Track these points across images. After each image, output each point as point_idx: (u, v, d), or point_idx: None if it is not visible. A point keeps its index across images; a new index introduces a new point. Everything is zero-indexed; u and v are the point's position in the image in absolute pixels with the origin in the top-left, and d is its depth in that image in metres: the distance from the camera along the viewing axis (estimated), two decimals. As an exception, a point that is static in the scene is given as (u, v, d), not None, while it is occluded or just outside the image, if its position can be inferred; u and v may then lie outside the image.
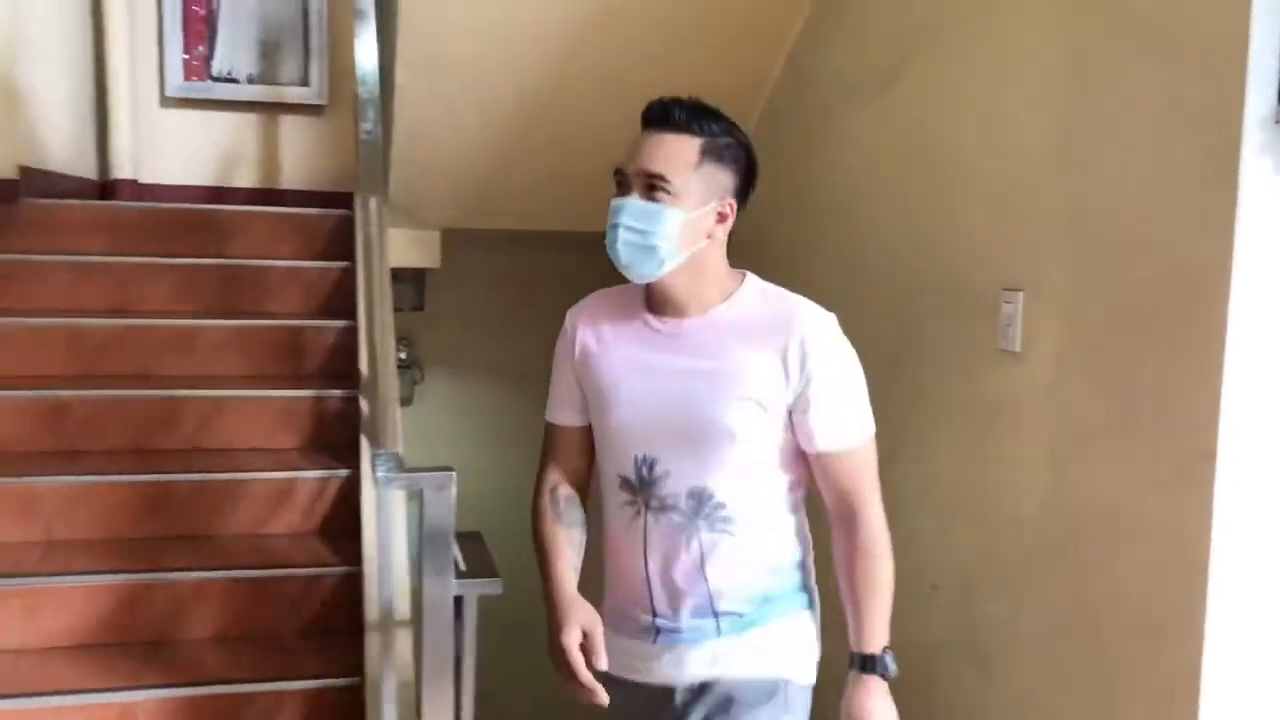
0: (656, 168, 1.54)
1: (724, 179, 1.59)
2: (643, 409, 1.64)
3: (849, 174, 2.98)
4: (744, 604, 1.66)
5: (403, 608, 2.57)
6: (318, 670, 2.62)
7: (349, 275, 3.72)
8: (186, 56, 4.57)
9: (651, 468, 1.63)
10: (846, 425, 1.62)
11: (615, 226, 1.56)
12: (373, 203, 3.22)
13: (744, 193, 1.63)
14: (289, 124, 4.75)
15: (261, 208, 4.21)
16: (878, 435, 1.68)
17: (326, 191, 4.58)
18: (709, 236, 1.59)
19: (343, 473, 3.08)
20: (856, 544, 1.64)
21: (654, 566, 1.67)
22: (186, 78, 4.59)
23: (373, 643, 2.63)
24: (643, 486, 1.65)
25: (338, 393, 3.31)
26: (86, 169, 4.39)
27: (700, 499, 1.62)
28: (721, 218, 1.60)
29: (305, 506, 3.06)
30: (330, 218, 4.00)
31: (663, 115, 1.57)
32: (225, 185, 4.67)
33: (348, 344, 3.50)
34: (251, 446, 3.23)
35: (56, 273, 3.56)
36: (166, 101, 4.60)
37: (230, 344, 3.45)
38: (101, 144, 4.47)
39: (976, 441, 2.37)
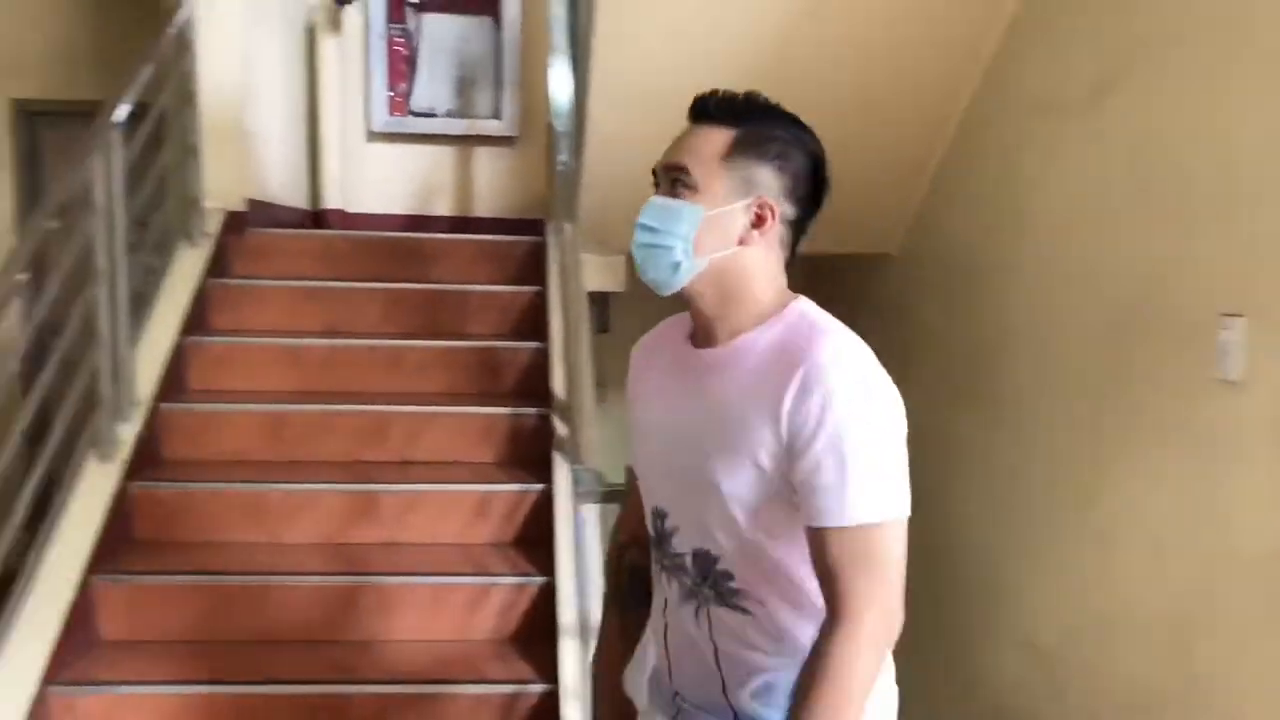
0: (678, 159, 1.32)
1: (763, 175, 1.31)
2: (654, 453, 1.44)
3: (1052, 192, 2.92)
4: (769, 709, 1.35)
5: (597, 616, 2.67)
6: (515, 675, 2.75)
7: (540, 299, 3.89)
8: (390, 94, 4.89)
9: (663, 520, 1.42)
10: (840, 495, 1.22)
11: (636, 227, 1.34)
12: (566, 229, 3.37)
13: (801, 197, 1.34)
14: (482, 155, 5.01)
15: (459, 235, 4.46)
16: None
17: (516, 219, 4.80)
18: (741, 242, 1.32)
19: (537, 487, 3.22)
20: (813, 658, 1.24)
21: (672, 637, 1.45)
22: (390, 113, 4.90)
23: (567, 650, 2.74)
24: (658, 541, 1.44)
25: (531, 411, 3.47)
26: (300, 200, 4.74)
27: (705, 564, 1.36)
28: (759, 220, 1.32)
29: (502, 518, 3.21)
30: (521, 244, 4.20)
31: (699, 107, 1.35)
32: (425, 214, 4.95)
33: (539, 364, 3.66)
34: (453, 460, 3.42)
35: (278, 296, 3.87)
36: (372, 136, 4.92)
37: (433, 363, 3.66)
38: (313, 177, 4.82)
39: (1193, 474, 2.27)
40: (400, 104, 4.92)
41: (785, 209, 1.33)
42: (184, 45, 3.77)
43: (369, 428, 3.42)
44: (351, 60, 4.85)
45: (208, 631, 2.89)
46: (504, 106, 4.96)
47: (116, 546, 3.01)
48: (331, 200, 4.82)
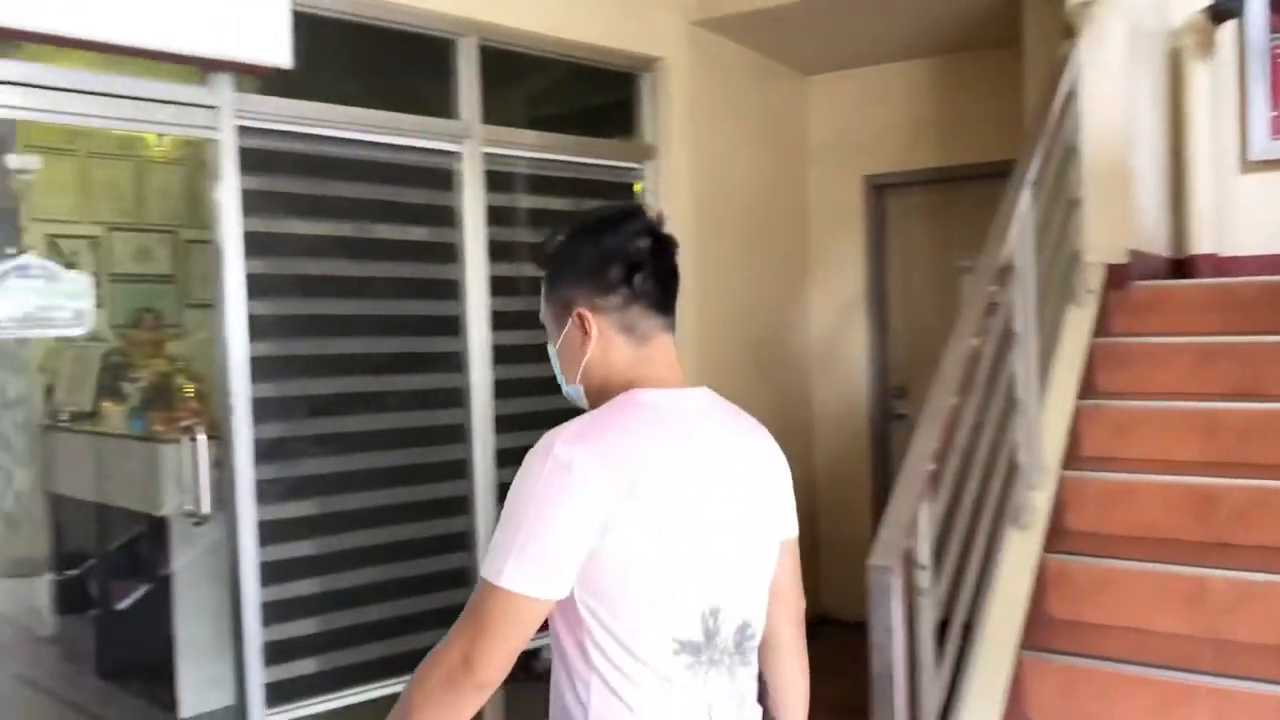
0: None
1: (570, 293, 1.48)
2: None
3: None
4: None
5: None
6: None
7: None
8: (1275, 114, 4.24)
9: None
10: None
11: None
12: None
13: (617, 280, 1.45)
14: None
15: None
16: None
17: None
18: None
19: None
20: None
21: None
22: (1272, 137, 4.25)
23: None
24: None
25: None
26: (1161, 246, 4.31)
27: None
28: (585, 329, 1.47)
29: None
30: None
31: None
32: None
33: None
34: None
35: (1171, 355, 3.49)
36: (1248, 166, 4.31)
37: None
38: (1177, 219, 4.36)
39: None
40: (1282, 124, 4.24)
41: (607, 303, 1.44)
42: (1070, 95, 3.62)
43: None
44: (1224, 82, 4.31)
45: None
46: None
47: (1035, 621, 2.87)
48: (1200, 244, 4.30)
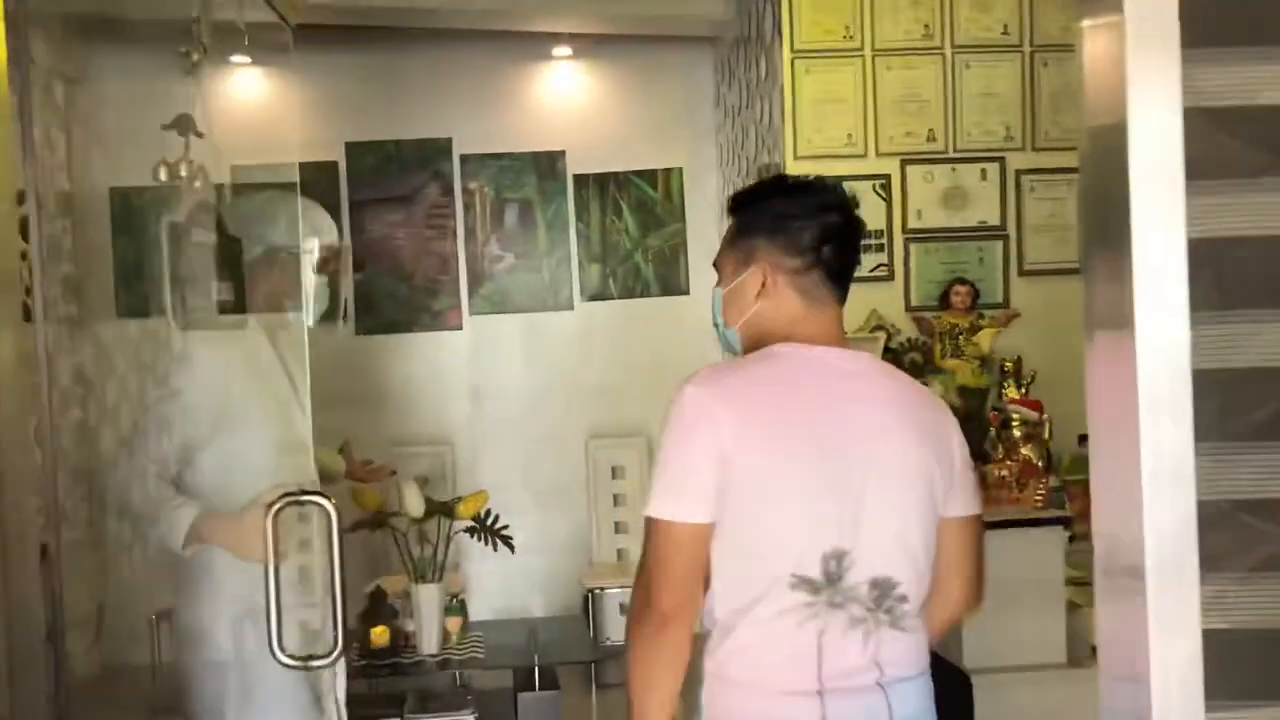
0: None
1: (759, 246, 1.58)
2: None
3: None
4: None
5: None
6: None
7: None
8: None
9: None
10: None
11: None
12: None
13: (808, 246, 1.56)
14: None
15: None
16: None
17: None
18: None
19: None
20: None
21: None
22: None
23: None
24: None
25: None
26: None
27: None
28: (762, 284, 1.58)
29: None
30: None
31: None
32: None
33: None
34: None
35: None
36: None
37: None
38: None
39: None
40: None
41: (792, 263, 1.54)
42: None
43: None
44: None
45: None
46: None
47: None
48: None
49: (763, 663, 1.45)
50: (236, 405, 2.07)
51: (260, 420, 2.11)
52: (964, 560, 1.57)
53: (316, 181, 4.27)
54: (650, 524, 1.45)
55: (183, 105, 1.68)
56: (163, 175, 1.70)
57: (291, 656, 1.77)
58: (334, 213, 4.28)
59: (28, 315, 2.96)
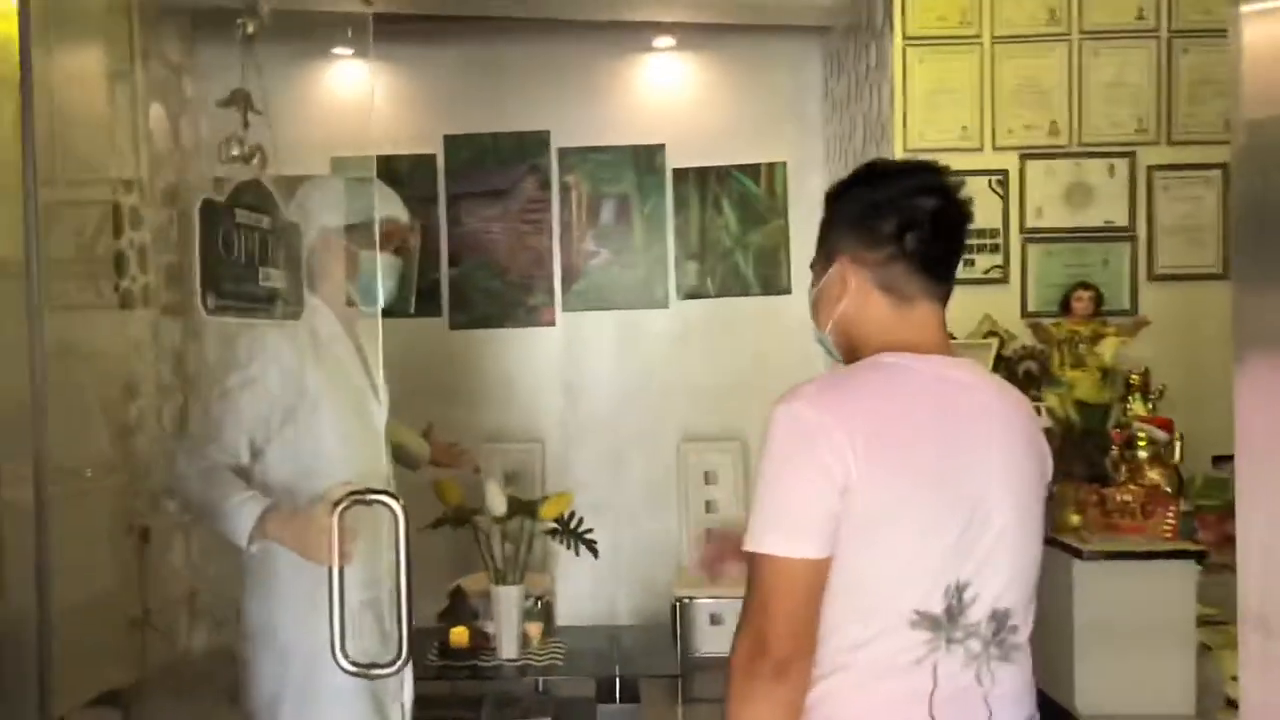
0: None
1: (842, 241, 1.47)
2: None
3: None
4: None
5: None
6: None
7: None
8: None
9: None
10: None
11: None
12: None
13: (888, 235, 1.42)
14: None
15: None
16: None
17: None
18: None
19: None
20: None
21: None
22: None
23: None
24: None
25: None
26: None
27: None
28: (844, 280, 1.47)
29: None
30: None
31: None
32: None
33: None
34: None
35: None
36: None
37: None
38: None
39: None
40: None
41: (872, 256, 1.41)
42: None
43: None
44: None
45: None
46: None
47: None
48: None
49: (873, 707, 1.32)
50: (309, 395, 2.01)
51: (333, 410, 2.04)
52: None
53: (414, 174, 4.25)
54: (759, 560, 1.31)
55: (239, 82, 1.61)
56: (234, 151, 1.63)
57: (354, 663, 1.68)
58: (431, 205, 4.27)
59: (124, 303, 2.97)
